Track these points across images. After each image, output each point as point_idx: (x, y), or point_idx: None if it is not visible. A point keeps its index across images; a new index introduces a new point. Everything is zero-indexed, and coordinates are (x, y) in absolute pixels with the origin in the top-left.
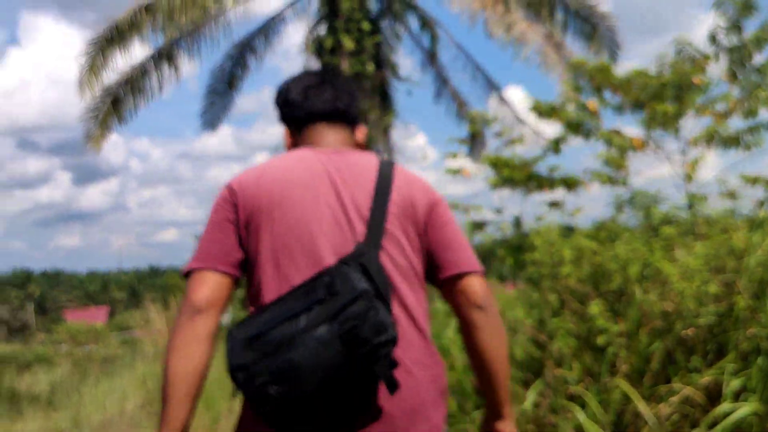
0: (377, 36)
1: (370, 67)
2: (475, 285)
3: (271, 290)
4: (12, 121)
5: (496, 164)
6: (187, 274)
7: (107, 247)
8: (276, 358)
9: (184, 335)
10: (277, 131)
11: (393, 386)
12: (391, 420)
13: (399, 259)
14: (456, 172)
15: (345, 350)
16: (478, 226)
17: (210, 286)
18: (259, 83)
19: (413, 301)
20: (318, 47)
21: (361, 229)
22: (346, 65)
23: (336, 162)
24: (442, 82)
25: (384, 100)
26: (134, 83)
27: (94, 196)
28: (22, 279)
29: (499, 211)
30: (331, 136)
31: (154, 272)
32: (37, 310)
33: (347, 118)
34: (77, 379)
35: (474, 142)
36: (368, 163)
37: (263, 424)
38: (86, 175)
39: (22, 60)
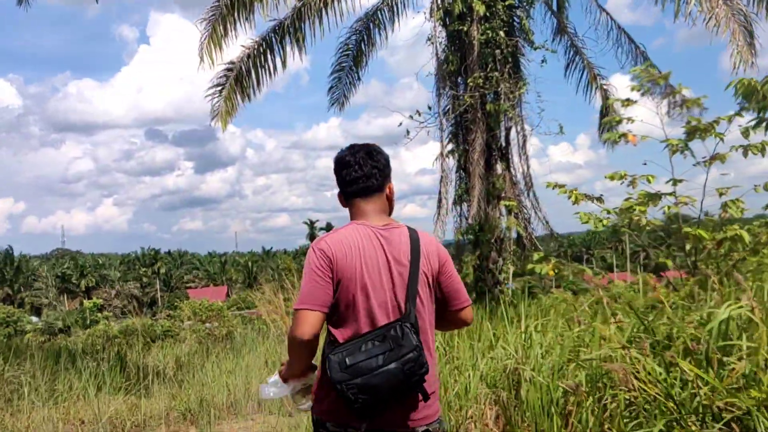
0: None
1: (502, 34)
2: (469, 312)
3: (349, 326)
4: (142, 113)
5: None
6: (298, 308)
7: (225, 231)
8: (365, 379)
9: (306, 352)
10: (384, 123)
11: (426, 396)
12: (415, 404)
13: (424, 311)
14: (618, 140)
15: (404, 378)
16: (653, 197)
17: (311, 321)
18: (366, 75)
19: (430, 338)
20: (445, 14)
21: (402, 288)
22: (475, 31)
23: (386, 237)
24: (574, 51)
25: (515, 69)
26: (257, 58)
27: (214, 183)
28: (151, 258)
29: (676, 182)
30: (369, 206)
31: (268, 255)
32: (162, 287)
33: (379, 189)
34: (201, 357)
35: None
36: (404, 234)
37: (352, 413)
38: (207, 164)
39: (151, 57)
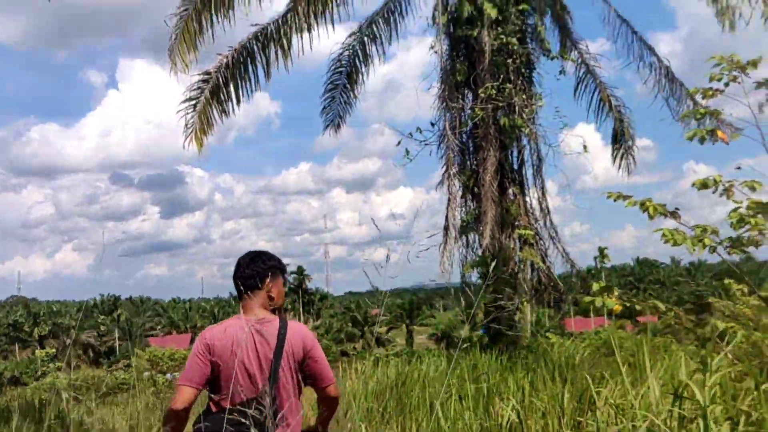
0: (524, 3)
1: (515, 41)
2: (332, 389)
3: (222, 400)
4: (108, 158)
5: None
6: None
7: (191, 277)
8: None
9: (180, 419)
10: (355, 168)
11: None
12: None
13: (284, 390)
14: (705, 137)
15: None
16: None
17: (186, 396)
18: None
19: (290, 413)
20: (450, 19)
21: (266, 371)
22: (486, 37)
23: (258, 328)
24: (585, 68)
25: (529, 82)
26: (235, 68)
27: (181, 228)
28: (110, 305)
29: None
30: (251, 301)
31: (235, 300)
32: (122, 335)
33: (258, 287)
34: (158, 415)
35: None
36: (274, 327)
37: None
38: (174, 209)
39: (120, 102)
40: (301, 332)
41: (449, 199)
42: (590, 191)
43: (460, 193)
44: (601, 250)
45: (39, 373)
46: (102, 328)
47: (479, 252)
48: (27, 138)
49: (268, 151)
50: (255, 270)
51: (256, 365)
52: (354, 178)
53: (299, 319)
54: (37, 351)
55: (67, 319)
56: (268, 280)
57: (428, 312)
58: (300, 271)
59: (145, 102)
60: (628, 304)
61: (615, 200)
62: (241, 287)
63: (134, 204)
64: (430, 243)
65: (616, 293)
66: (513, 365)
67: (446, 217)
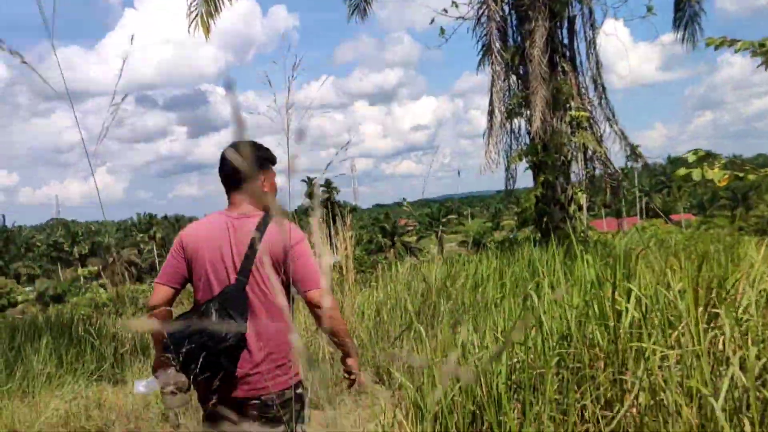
0: None
1: None
2: (314, 295)
3: (197, 301)
4: (131, 79)
5: None
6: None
7: (222, 195)
8: (177, 348)
9: (151, 318)
10: (377, 79)
11: (228, 369)
12: (236, 377)
13: (260, 291)
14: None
15: (202, 350)
16: None
17: (161, 293)
18: (357, 31)
19: (269, 318)
20: None
21: (237, 269)
22: None
23: (236, 224)
24: None
25: None
26: None
27: (208, 147)
28: (147, 224)
29: None
30: (237, 197)
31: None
32: (160, 252)
33: (245, 182)
34: None
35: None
36: (253, 223)
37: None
38: (200, 129)
39: (138, 21)
40: (284, 228)
41: (492, 80)
42: (616, 92)
43: (503, 73)
44: (633, 148)
45: (83, 290)
46: (141, 246)
47: (527, 140)
48: (50, 62)
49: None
50: (236, 166)
51: (229, 263)
52: (376, 90)
53: (329, 232)
54: (79, 269)
55: (106, 239)
56: (259, 173)
57: (457, 220)
58: (328, 184)
59: (162, 20)
60: (740, 174)
61: (716, 48)
62: (229, 183)
63: (161, 125)
64: (456, 151)
65: (721, 162)
66: (573, 260)
67: (490, 100)
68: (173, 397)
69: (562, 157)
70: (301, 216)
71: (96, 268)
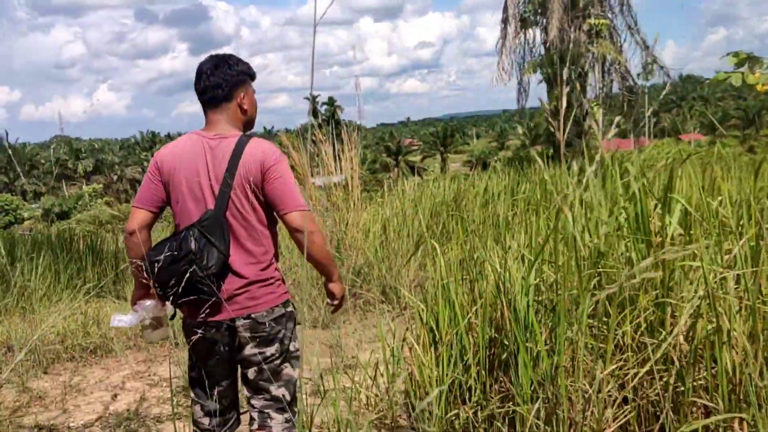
0: None
1: None
2: (295, 217)
3: (176, 225)
4: None
5: None
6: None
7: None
8: (158, 275)
9: (130, 244)
10: None
11: (215, 294)
12: (218, 303)
13: (237, 216)
14: None
15: (181, 277)
16: None
17: (138, 217)
18: None
19: (249, 242)
20: None
21: (215, 193)
22: None
23: (212, 144)
24: None
25: None
26: None
27: None
28: (149, 142)
29: None
30: (215, 116)
31: (269, 134)
32: None
33: (225, 99)
34: None
35: None
36: (230, 144)
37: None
38: (202, 45)
39: None
40: (262, 149)
41: None
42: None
43: None
44: (645, 65)
45: (87, 207)
46: (145, 164)
47: (542, 53)
48: None
49: None
50: (222, 78)
51: (206, 186)
52: (381, 5)
53: (333, 151)
54: (84, 187)
55: (110, 156)
56: (239, 89)
57: (461, 140)
58: (331, 102)
59: None
60: None
61: None
62: (206, 100)
63: (162, 41)
64: (462, 70)
65: (762, 65)
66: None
67: (504, 7)
68: (153, 332)
69: (579, 69)
70: (303, 134)
71: (100, 185)
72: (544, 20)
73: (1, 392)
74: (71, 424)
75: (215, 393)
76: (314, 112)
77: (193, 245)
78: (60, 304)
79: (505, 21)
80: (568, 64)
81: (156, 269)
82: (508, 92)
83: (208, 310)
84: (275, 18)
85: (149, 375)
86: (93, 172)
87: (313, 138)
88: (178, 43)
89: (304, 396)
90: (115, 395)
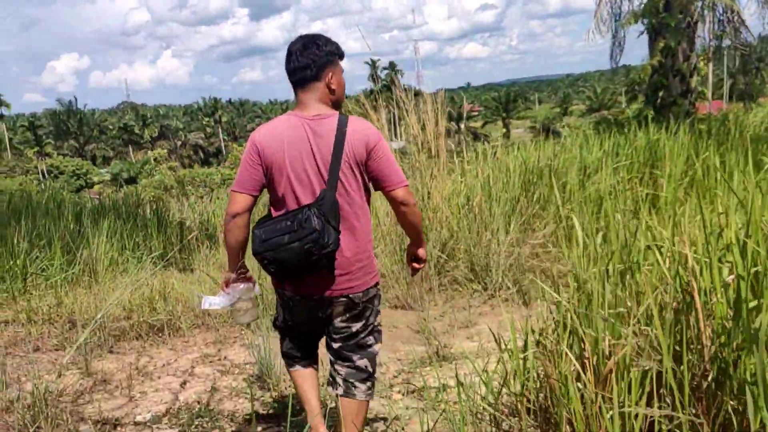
0: None
1: None
2: (400, 192)
3: (280, 207)
4: None
5: None
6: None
7: (285, 80)
8: (274, 253)
9: (232, 226)
10: None
11: (331, 271)
12: (330, 277)
13: (346, 194)
14: None
15: (305, 256)
16: None
17: (239, 201)
18: None
19: (357, 221)
20: None
21: (324, 174)
22: None
23: (312, 126)
24: None
25: None
26: None
27: (270, 31)
28: (212, 108)
29: None
30: (306, 96)
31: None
32: (226, 137)
33: (314, 79)
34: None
35: None
36: (331, 124)
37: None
38: (262, 11)
39: None
40: (363, 128)
41: None
42: None
43: None
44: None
45: (153, 172)
46: (208, 130)
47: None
48: None
49: None
50: (310, 58)
51: (311, 167)
52: None
53: (394, 116)
54: (149, 152)
55: (174, 122)
56: (327, 69)
57: (523, 105)
58: (392, 66)
59: None
60: None
61: None
62: (296, 80)
63: (222, 7)
64: (525, 33)
65: None
66: (699, 142)
67: None
68: (244, 314)
69: (688, 18)
70: (366, 99)
71: (165, 150)
72: None
73: (65, 375)
74: (138, 417)
75: (302, 340)
76: (374, 77)
77: (316, 224)
78: (125, 276)
79: None
80: (675, 12)
81: (269, 247)
82: (572, 55)
83: (311, 286)
84: None
85: (219, 359)
86: (158, 137)
87: (374, 103)
88: (239, 9)
89: (395, 395)
90: (184, 382)
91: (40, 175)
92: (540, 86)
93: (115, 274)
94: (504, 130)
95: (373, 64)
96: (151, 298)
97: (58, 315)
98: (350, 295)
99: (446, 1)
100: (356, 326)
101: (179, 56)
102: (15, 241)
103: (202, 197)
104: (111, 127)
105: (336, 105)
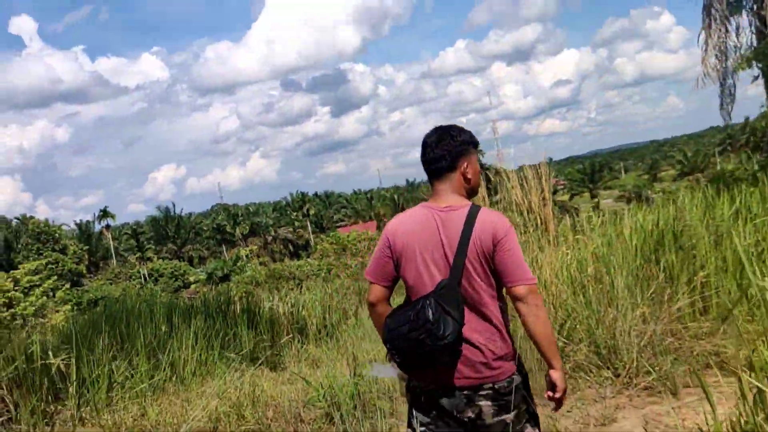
0: None
1: None
2: (521, 288)
3: (412, 296)
4: (276, 66)
5: None
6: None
7: (367, 170)
8: (396, 342)
9: (372, 315)
10: (513, 38)
11: (447, 363)
12: (457, 368)
13: (470, 286)
14: None
15: (417, 346)
16: None
17: (373, 291)
18: None
19: (488, 311)
20: None
21: (448, 267)
22: None
23: (443, 217)
24: None
25: None
26: None
27: (350, 125)
28: (299, 202)
29: None
30: (441, 186)
31: (412, 187)
32: (314, 229)
33: (449, 170)
34: (356, 299)
35: None
36: (461, 215)
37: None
38: (342, 107)
39: (278, 8)
40: (493, 219)
41: None
42: None
43: None
44: None
45: (245, 269)
46: (296, 223)
47: (753, 42)
48: (204, 58)
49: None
50: (445, 149)
51: (439, 258)
52: (513, 49)
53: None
54: (241, 250)
55: (264, 218)
56: (462, 159)
57: (609, 175)
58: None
59: (300, 3)
60: None
61: None
62: (431, 171)
63: (306, 107)
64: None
65: None
66: None
67: None
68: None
69: None
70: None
71: (256, 247)
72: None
73: None
74: None
75: None
76: None
77: (430, 315)
78: (212, 379)
79: (707, 7)
80: None
81: (394, 337)
82: (653, 122)
83: (440, 377)
84: (410, 73)
85: None
86: (249, 234)
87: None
88: (320, 107)
89: None
90: None
91: (143, 279)
92: (624, 155)
93: (203, 377)
94: (593, 200)
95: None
96: (238, 404)
97: (141, 428)
98: (492, 384)
99: (520, 80)
100: (508, 417)
101: (267, 156)
102: (101, 349)
103: (292, 289)
104: (205, 228)
105: (471, 192)
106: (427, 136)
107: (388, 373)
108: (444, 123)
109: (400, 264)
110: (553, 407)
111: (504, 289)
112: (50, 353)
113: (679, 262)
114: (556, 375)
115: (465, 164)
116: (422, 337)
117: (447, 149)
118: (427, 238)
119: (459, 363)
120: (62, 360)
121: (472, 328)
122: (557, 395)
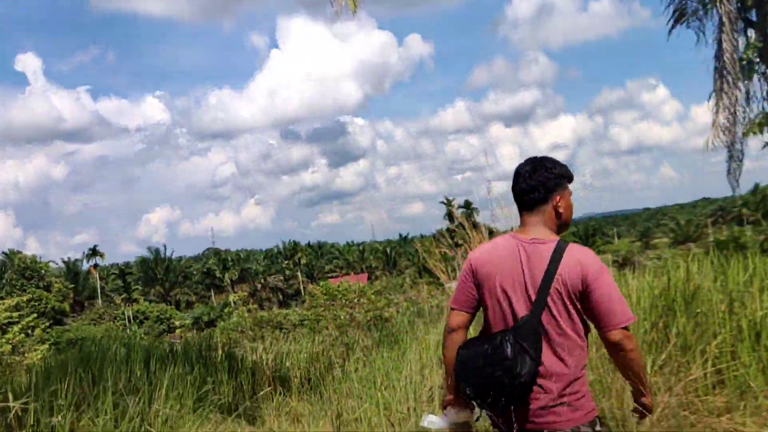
0: None
1: None
2: (615, 335)
3: (491, 327)
4: (276, 116)
5: None
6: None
7: (361, 222)
8: (469, 376)
9: (448, 343)
10: (512, 101)
11: (514, 403)
12: (529, 410)
13: (555, 323)
14: None
15: (493, 383)
16: None
17: (454, 317)
18: (490, 53)
19: (565, 351)
20: None
21: (532, 300)
22: None
23: (528, 249)
24: None
25: None
26: None
27: (348, 176)
28: (291, 251)
29: None
30: (531, 218)
31: (405, 241)
32: (305, 278)
33: (541, 202)
34: (341, 351)
35: None
36: (548, 250)
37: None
38: (340, 159)
39: (282, 61)
40: (582, 257)
41: (721, 25)
42: None
43: (735, 16)
44: None
45: (232, 315)
46: (287, 272)
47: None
48: (206, 104)
49: (424, 93)
50: (539, 180)
51: (520, 291)
52: (511, 112)
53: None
54: (230, 295)
55: (255, 265)
56: (555, 192)
57: (602, 239)
58: (467, 205)
59: (304, 58)
60: None
61: None
62: (522, 202)
63: (304, 157)
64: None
65: None
66: None
67: (717, 53)
68: None
69: None
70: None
71: (245, 293)
72: None
73: None
74: None
75: None
76: (449, 216)
77: (509, 351)
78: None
79: (719, 69)
80: None
81: (467, 369)
82: (647, 190)
83: (511, 419)
84: (408, 129)
85: None
86: (239, 280)
87: (455, 241)
88: (318, 158)
89: None
90: None
91: (126, 321)
92: (617, 221)
93: (174, 430)
94: None
95: (448, 203)
96: None
97: None
98: (558, 430)
99: (517, 142)
100: None
101: (262, 203)
102: (67, 393)
103: (277, 339)
104: (195, 272)
105: (562, 227)
106: (521, 166)
107: (436, 424)
108: (440, 179)
109: (480, 292)
110: (639, 418)
111: (588, 331)
112: (10, 395)
113: (691, 329)
114: (647, 401)
115: (558, 198)
116: (498, 374)
117: (541, 180)
118: (509, 269)
119: (532, 404)
120: (21, 404)
121: (550, 368)
122: (646, 415)
